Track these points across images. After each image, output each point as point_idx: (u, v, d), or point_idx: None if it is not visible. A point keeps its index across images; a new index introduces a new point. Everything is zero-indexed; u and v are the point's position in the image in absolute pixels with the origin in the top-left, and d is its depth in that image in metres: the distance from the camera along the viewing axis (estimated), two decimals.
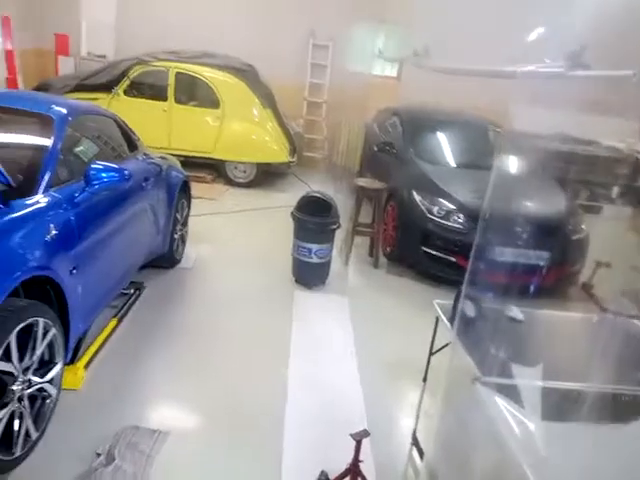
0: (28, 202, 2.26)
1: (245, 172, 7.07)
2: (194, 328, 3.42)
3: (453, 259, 4.34)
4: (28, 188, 2.33)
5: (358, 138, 7.45)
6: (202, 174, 6.82)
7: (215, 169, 7.12)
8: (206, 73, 6.78)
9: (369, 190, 4.88)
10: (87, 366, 2.80)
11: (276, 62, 8.06)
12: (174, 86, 6.77)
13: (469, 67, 4.11)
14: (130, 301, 3.53)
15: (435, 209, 4.52)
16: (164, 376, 2.88)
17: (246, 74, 6.97)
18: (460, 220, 4.41)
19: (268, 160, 7.00)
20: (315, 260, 4.13)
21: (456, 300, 2.18)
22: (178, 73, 6.75)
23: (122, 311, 3.37)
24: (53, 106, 2.86)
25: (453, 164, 5.36)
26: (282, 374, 3.03)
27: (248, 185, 7.04)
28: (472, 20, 5.53)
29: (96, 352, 2.93)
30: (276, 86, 7.40)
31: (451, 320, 2.17)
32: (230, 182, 7.04)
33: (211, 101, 6.81)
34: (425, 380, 2.86)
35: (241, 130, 6.89)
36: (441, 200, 4.56)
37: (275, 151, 6.95)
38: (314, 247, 4.09)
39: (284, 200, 5.79)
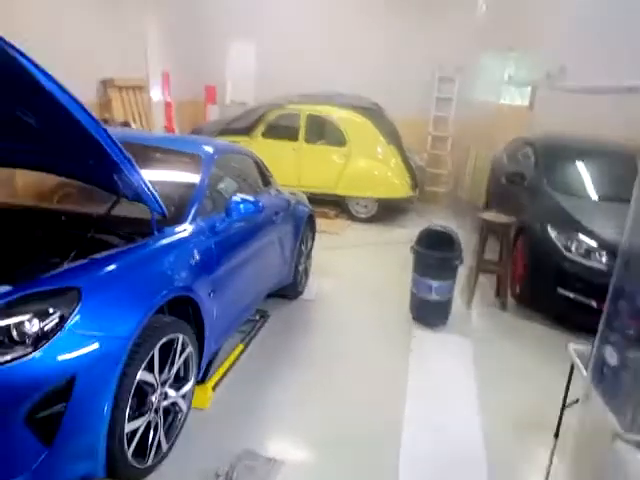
0: (177, 230, 2.54)
1: (366, 207, 7.22)
2: (314, 358, 3.50)
3: (594, 304, 3.84)
4: (178, 217, 2.62)
5: (484, 171, 7.24)
6: (326, 209, 7.09)
7: (338, 205, 7.36)
8: (334, 113, 7.15)
9: (496, 224, 4.55)
10: (215, 387, 2.97)
11: (401, 97, 8.24)
12: (305, 127, 7.21)
13: (610, 85, 3.79)
14: (256, 328, 3.74)
15: (573, 246, 4.06)
16: (283, 404, 2.96)
17: (372, 112, 7.22)
18: (603, 259, 3.92)
19: (389, 195, 7.09)
20: (435, 297, 3.98)
21: (595, 345, 1.97)
22: (309, 115, 7.19)
23: (249, 337, 3.57)
24: (202, 146, 3.23)
25: (594, 196, 4.78)
26: (399, 413, 2.95)
27: (369, 220, 7.16)
28: (609, 35, 5.16)
29: (224, 374, 3.12)
30: (400, 120, 7.54)
31: (589, 368, 1.97)
32: (352, 217, 7.22)
33: (338, 140, 7.13)
34: (557, 436, 2.59)
35: (364, 167, 7.09)
36: (580, 236, 4.08)
37: (396, 186, 7.03)
38: (434, 283, 3.95)
39: (404, 235, 5.78)
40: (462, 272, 4.35)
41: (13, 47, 1.70)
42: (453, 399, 3.20)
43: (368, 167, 7.09)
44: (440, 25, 8.24)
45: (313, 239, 4.72)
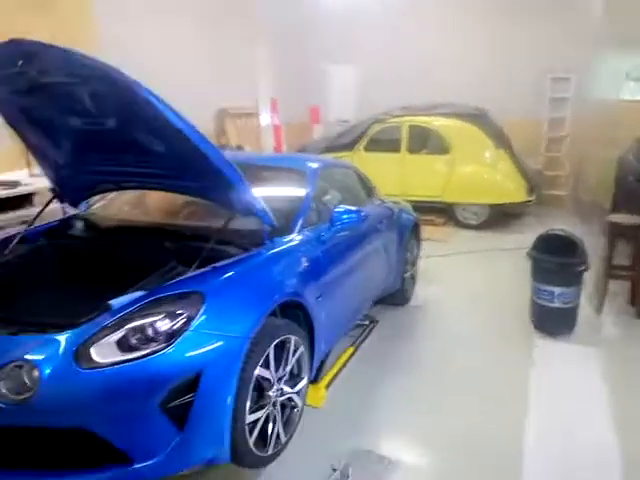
0: (286, 240, 2.73)
1: (476, 214, 7.00)
2: (425, 364, 3.47)
3: None
4: (287, 228, 2.81)
5: (609, 171, 6.68)
6: (432, 217, 7.00)
7: (445, 212, 7.23)
8: (436, 122, 7.09)
9: (626, 227, 4.18)
10: (327, 387, 3.10)
11: (510, 100, 7.94)
12: (407, 138, 7.23)
13: None
14: (365, 332, 3.82)
15: None
16: (396, 406, 2.98)
17: (476, 118, 7.05)
18: None
19: (502, 200, 6.82)
20: (558, 305, 3.73)
21: None
22: (410, 126, 7.20)
23: (358, 340, 3.67)
24: (307, 163, 3.43)
25: None
26: (520, 424, 2.83)
27: (479, 227, 6.94)
28: None
29: (335, 375, 3.23)
30: (511, 124, 7.26)
31: None
32: (460, 224, 7.05)
33: (441, 148, 7.05)
34: None
35: (471, 172, 6.92)
36: None
37: (510, 191, 6.76)
38: (556, 290, 3.70)
39: (519, 241, 5.50)
40: (589, 278, 4.04)
41: (140, 85, 1.99)
42: (580, 409, 2.98)
43: (475, 172, 6.91)
44: (550, 23, 7.83)
45: (419, 247, 4.70)
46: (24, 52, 2.08)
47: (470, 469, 2.50)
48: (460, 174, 6.95)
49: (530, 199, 6.83)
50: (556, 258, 3.72)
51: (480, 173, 6.90)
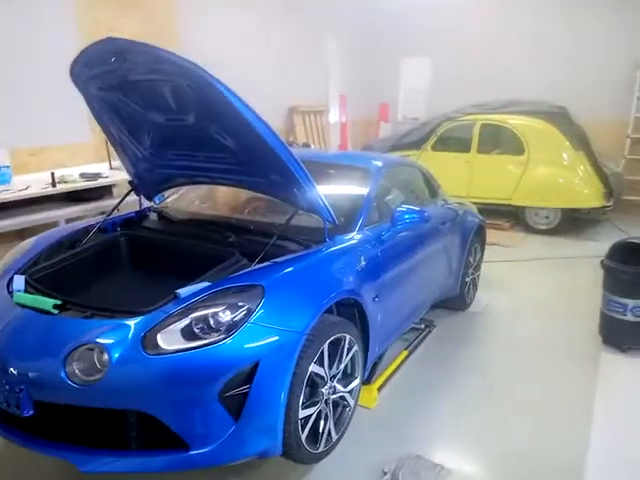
0: (346, 238, 2.74)
1: (547, 218, 6.68)
2: (482, 372, 3.38)
3: None
4: (347, 227, 2.82)
5: None
6: (499, 221, 6.77)
7: (513, 216, 6.96)
8: (512, 121, 6.81)
9: None
10: (380, 389, 3.08)
11: (592, 99, 7.50)
12: (478, 137, 7.01)
13: None
14: (421, 336, 3.76)
15: None
16: (449, 413, 2.93)
17: (555, 117, 6.71)
18: None
19: (576, 205, 6.47)
20: (630, 318, 3.53)
21: None
22: (483, 124, 6.98)
23: (413, 344, 3.62)
24: (370, 161, 3.42)
25: None
26: (582, 441, 2.69)
27: (550, 232, 6.62)
28: None
29: (388, 378, 3.21)
30: (593, 123, 6.89)
31: None
32: (530, 229, 6.76)
33: (515, 148, 6.77)
34: None
35: (546, 175, 6.60)
36: None
37: (585, 195, 6.38)
38: (630, 303, 3.50)
39: (593, 249, 5.21)
40: None
41: (220, 82, 2.07)
42: None
43: (550, 175, 6.58)
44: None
45: (483, 250, 4.56)
46: (117, 49, 2.20)
47: None
48: (533, 176, 6.65)
49: (608, 205, 6.43)
50: (632, 268, 3.51)
51: (555, 176, 6.56)
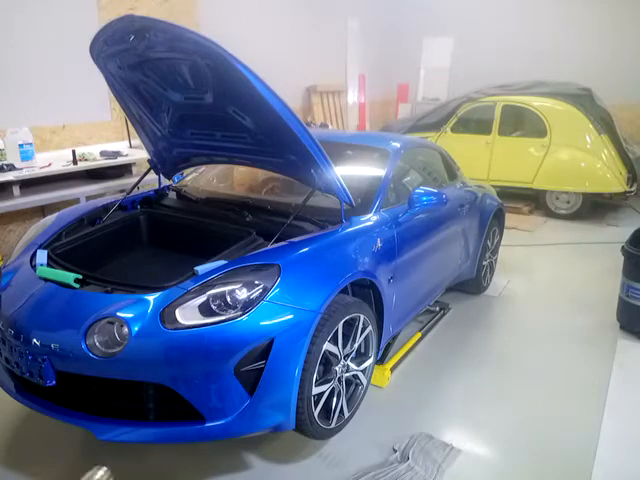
0: (363, 219, 2.74)
1: (569, 202, 6.58)
2: (496, 356, 3.39)
3: None
4: (364, 208, 2.82)
5: None
6: (519, 205, 6.68)
7: (533, 200, 6.86)
8: (535, 103, 6.67)
9: None
10: (393, 369, 3.12)
11: (621, 80, 7.30)
12: (499, 119, 6.89)
13: None
14: (435, 319, 3.77)
15: None
16: (461, 395, 2.95)
17: (580, 99, 6.55)
18: None
19: (598, 190, 6.35)
20: None
21: None
22: (505, 106, 6.85)
23: (427, 326, 3.64)
24: (390, 142, 3.39)
25: None
26: (593, 427, 2.69)
27: (571, 217, 6.53)
28: None
29: (401, 358, 3.24)
30: (619, 105, 6.71)
31: None
32: (550, 213, 6.66)
33: (538, 130, 6.64)
34: None
35: (568, 158, 6.47)
36: None
37: (608, 180, 6.25)
38: None
39: (614, 235, 5.14)
40: None
41: (239, 61, 2.08)
42: None
43: (573, 159, 6.45)
44: None
45: (501, 234, 4.52)
46: (136, 27, 2.21)
47: (534, 467, 2.44)
48: (555, 160, 6.53)
49: (631, 190, 6.30)
50: None
51: (577, 159, 6.43)
